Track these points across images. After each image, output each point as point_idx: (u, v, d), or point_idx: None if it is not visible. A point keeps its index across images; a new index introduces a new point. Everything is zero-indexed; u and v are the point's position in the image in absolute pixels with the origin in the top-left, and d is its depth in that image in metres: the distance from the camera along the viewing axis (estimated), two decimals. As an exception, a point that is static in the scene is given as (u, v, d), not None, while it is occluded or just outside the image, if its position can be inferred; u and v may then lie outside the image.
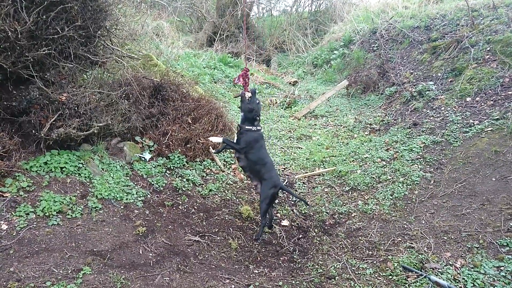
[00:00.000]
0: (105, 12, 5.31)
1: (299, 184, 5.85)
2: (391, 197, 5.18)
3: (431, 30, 9.51)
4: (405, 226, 4.60)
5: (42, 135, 4.48)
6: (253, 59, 14.48)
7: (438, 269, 3.82)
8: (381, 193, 5.34)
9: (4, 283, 3.03)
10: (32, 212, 3.86)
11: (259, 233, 4.52)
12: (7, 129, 4.48)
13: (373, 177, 5.76)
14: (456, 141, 5.86)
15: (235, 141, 4.61)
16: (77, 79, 5.16)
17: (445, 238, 4.25)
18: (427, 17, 10.01)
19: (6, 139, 4.30)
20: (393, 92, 8.53)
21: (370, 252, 4.25)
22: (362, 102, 9.09)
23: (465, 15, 8.85)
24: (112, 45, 5.78)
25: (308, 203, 5.24)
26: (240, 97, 4.65)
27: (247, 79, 4.86)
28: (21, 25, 4.24)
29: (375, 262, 4.08)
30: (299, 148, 7.17)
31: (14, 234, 3.57)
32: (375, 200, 5.24)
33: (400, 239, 4.39)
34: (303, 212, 5.17)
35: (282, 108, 9.46)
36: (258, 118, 4.53)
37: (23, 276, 3.14)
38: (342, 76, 10.98)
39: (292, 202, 5.39)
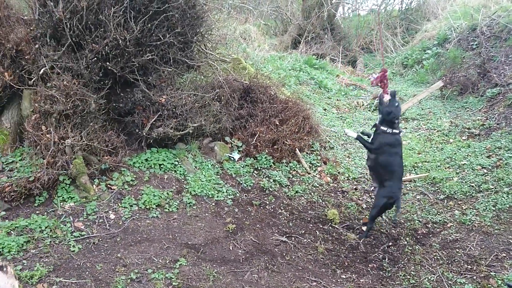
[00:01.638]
0: (201, 19, 5.62)
1: (388, 190, 5.61)
2: (494, 208, 4.74)
3: (543, 25, 8.51)
4: (511, 241, 4.17)
5: (144, 134, 4.88)
6: (339, 61, 14.22)
7: (552, 292, 3.40)
8: (481, 203, 4.91)
9: (113, 267, 3.36)
10: (135, 204, 4.22)
11: (365, 234, 4.51)
12: (115, 128, 4.96)
13: (472, 186, 5.31)
14: None
15: (370, 140, 4.56)
16: (175, 82, 5.53)
17: (561, 258, 3.78)
18: (539, 10, 8.97)
19: (114, 137, 4.76)
20: (495, 93, 7.78)
21: (469, 267, 3.93)
22: (459, 105, 8.42)
23: None
24: (206, 49, 6.11)
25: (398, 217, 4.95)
26: (378, 99, 4.59)
27: (385, 81, 4.65)
28: (129, 34, 4.67)
29: (475, 277, 3.77)
30: (388, 152, 6.87)
31: (120, 223, 3.94)
32: (474, 210, 4.83)
33: (504, 255, 4.00)
34: (392, 219, 4.95)
35: (369, 110, 9.15)
36: (396, 121, 4.40)
37: (128, 262, 3.46)
38: (435, 77, 10.29)
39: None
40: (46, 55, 4.51)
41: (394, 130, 4.38)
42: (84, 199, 4.11)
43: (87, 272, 3.24)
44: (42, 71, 4.48)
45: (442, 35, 11.54)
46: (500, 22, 9.62)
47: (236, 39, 10.79)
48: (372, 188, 4.68)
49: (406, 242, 4.47)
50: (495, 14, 10.23)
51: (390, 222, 4.90)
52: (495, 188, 5.09)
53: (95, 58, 4.60)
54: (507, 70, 8.17)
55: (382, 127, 4.40)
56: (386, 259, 4.19)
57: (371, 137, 4.58)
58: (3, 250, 3.17)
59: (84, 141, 4.34)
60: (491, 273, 3.77)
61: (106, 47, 4.59)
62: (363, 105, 9.48)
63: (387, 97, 4.42)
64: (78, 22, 4.54)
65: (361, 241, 4.45)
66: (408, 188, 5.68)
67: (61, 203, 3.95)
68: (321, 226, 4.69)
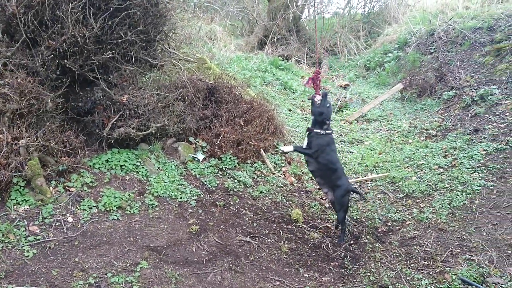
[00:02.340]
0: (164, 17, 5.53)
1: (350, 189, 5.74)
2: (449, 206, 4.95)
3: (494, 31, 8.98)
4: (465, 237, 4.37)
5: (105, 134, 4.74)
6: (304, 62, 14.41)
7: (501, 284, 3.59)
8: (438, 201, 5.11)
9: (70, 272, 3.24)
10: (95, 206, 4.09)
11: (342, 238, 4.53)
12: (74, 128, 4.78)
13: (429, 185, 5.52)
14: (523, 149, 5.49)
15: (304, 146, 4.58)
16: (137, 81, 5.41)
17: (509, 251, 3.99)
18: (491, 18, 9.47)
19: (72, 138, 4.58)
20: (451, 96, 8.14)
21: (426, 263, 4.08)
22: (418, 107, 8.75)
23: (534, 14, 8.28)
24: (169, 48, 6.01)
25: (360, 208, 5.13)
26: (311, 100, 4.63)
27: (318, 82, 4.76)
28: (88, 31, 4.52)
29: (431, 273, 3.91)
30: (350, 152, 7.04)
31: (78, 226, 3.80)
32: (431, 208, 5.02)
33: (458, 251, 4.18)
34: (354, 218, 5.07)
35: (333, 111, 9.33)
36: (328, 122, 4.48)
37: (86, 266, 3.34)
38: (396, 79, 10.65)
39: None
40: (-2, 51, 4.29)
41: (327, 131, 4.48)
42: (40, 201, 3.93)
43: (42, 278, 3.10)
44: (-6, 68, 4.26)
45: (403, 39, 11.95)
46: (456, 28, 10.08)
47: (202, 38, 10.71)
48: (324, 194, 4.70)
49: (367, 240, 4.58)
50: (451, 20, 10.71)
51: (351, 221, 5.01)
52: (451, 187, 5.31)
53: (52, 55, 4.43)
54: (462, 74, 8.57)
55: (315, 130, 4.47)
56: (348, 257, 4.28)
57: (306, 142, 4.59)
58: (-51, 257, 2.99)
59: (40, 142, 4.16)
60: (446, 268, 3.92)
61: (64, 44, 4.42)
62: (327, 106, 9.64)
63: (318, 98, 4.51)
64: (33, 18, 4.36)
65: (343, 245, 4.48)
66: (369, 188, 5.84)
67: (15, 206, 3.76)
68: (285, 226, 4.73)
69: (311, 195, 5.55)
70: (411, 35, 11.76)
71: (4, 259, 3.18)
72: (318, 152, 4.46)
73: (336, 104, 9.53)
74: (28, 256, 3.29)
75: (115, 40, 4.78)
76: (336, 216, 4.69)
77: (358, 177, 6.09)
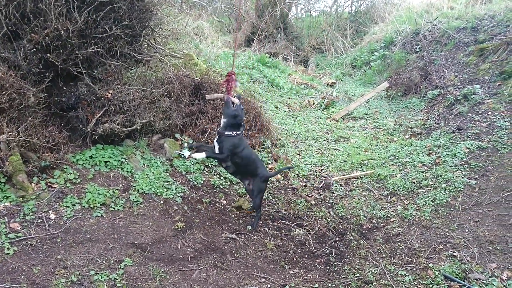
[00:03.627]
0: (150, 12, 5.45)
1: (336, 186, 5.77)
2: (433, 204, 5.01)
3: (478, 32, 9.13)
4: (447, 234, 4.43)
5: (89, 130, 4.67)
6: (291, 60, 14.43)
7: (482, 280, 3.65)
8: (421, 198, 5.18)
9: (52, 270, 3.18)
10: (78, 203, 4.03)
11: (254, 224, 4.51)
12: (57, 124, 4.70)
13: (414, 182, 5.59)
14: (504, 148, 5.59)
15: (216, 151, 4.41)
16: (122, 76, 5.34)
17: (490, 248, 4.07)
18: (474, 18, 9.61)
19: (55, 133, 4.50)
20: (436, 95, 8.25)
21: (410, 259, 4.13)
22: (403, 105, 8.85)
23: (516, 16, 8.43)
24: (155, 44, 5.94)
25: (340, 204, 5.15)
26: (223, 102, 4.49)
27: (232, 83, 4.58)
28: (72, 24, 4.43)
29: (414, 269, 3.96)
30: (336, 150, 7.08)
31: (61, 223, 3.74)
32: (415, 205, 5.09)
33: (441, 247, 4.24)
34: (340, 214, 5.10)
35: (319, 109, 9.37)
36: (243, 123, 4.46)
37: (69, 264, 3.29)
38: (382, 78, 10.74)
39: (329, 204, 5.33)
40: (-22, 44, 4.18)
41: (238, 132, 4.41)
42: (21, 198, 3.86)
43: (22, 276, 3.04)
44: (-27, 61, 4.15)
45: (389, 38, 12.06)
46: (441, 27, 10.21)
47: (188, 34, 10.62)
48: (245, 184, 4.68)
49: (352, 237, 4.62)
50: (436, 20, 10.84)
51: (337, 218, 5.04)
52: (434, 184, 5.38)
53: (35, 49, 4.33)
54: (446, 73, 8.69)
55: (227, 132, 4.35)
56: (333, 254, 4.31)
57: (216, 147, 4.42)
58: None
59: (21, 137, 4.07)
60: (429, 264, 3.98)
61: (47, 37, 4.32)
62: (313, 103, 9.68)
63: (235, 100, 4.43)
64: (15, 10, 4.25)
65: (253, 231, 4.47)
66: (354, 185, 5.88)
67: (-5, 203, 3.68)
68: (271, 223, 4.73)
69: (297, 192, 5.56)
70: (397, 34, 11.88)
71: (-16, 257, 3.11)
72: (231, 155, 4.37)
73: (323, 102, 9.57)
74: (8, 253, 3.22)
75: (99, 34, 4.69)
76: (254, 203, 4.63)
77: (344, 175, 6.13)
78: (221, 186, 5.17)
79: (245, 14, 16.68)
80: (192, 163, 5.43)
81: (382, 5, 16.06)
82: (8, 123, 4.09)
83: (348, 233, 4.72)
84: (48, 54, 4.40)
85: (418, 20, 11.58)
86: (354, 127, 8.19)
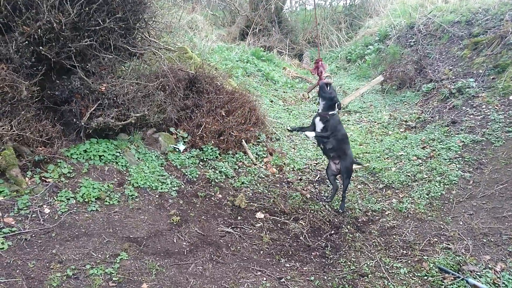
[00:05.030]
0: (144, 5, 5.40)
1: (331, 180, 5.78)
2: (427, 196, 5.05)
3: (472, 25, 9.14)
4: (442, 227, 4.47)
5: (83, 123, 4.63)
6: (286, 54, 14.39)
7: (477, 272, 3.70)
8: (416, 192, 5.20)
9: (47, 264, 3.16)
10: (73, 197, 4.00)
11: (343, 206, 5.02)
12: (50, 117, 4.65)
13: (408, 175, 5.62)
14: (498, 141, 5.63)
15: (319, 130, 4.86)
16: (116, 70, 5.29)
17: (484, 240, 4.11)
18: (469, 12, 9.63)
19: (49, 127, 4.46)
20: (430, 88, 8.27)
21: (405, 252, 4.16)
22: (398, 99, 8.87)
23: (510, 9, 8.44)
24: (149, 37, 5.89)
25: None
26: (319, 88, 4.91)
27: (322, 68, 5.05)
28: (65, 17, 4.38)
29: (409, 261, 3.99)
30: (331, 143, 7.07)
31: (56, 218, 3.71)
32: (410, 198, 5.12)
33: (436, 240, 4.28)
34: (335, 208, 5.11)
35: (314, 103, 9.36)
36: (338, 103, 4.85)
37: (64, 258, 3.27)
38: (376, 71, 10.75)
39: (324, 198, 5.34)
40: (-32, 36, 4.12)
41: (337, 111, 4.86)
42: (15, 192, 3.82)
43: (17, 270, 3.02)
44: (-36, 54, 4.08)
45: (383, 32, 12.05)
46: (435, 21, 10.22)
47: (183, 28, 10.54)
48: (335, 164, 5.04)
49: (347, 230, 4.64)
50: (431, 14, 10.84)
51: (332, 211, 5.06)
52: (429, 177, 5.41)
53: (27, 42, 4.27)
54: (440, 66, 8.71)
55: (330, 112, 4.78)
56: (329, 247, 4.32)
57: (320, 126, 4.84)
58: None
59: (14, 131, 4.03)
60: (424, 257, 4.01)
61: (39, 30, 4.27)
62: (308, 97, 9.67)
63: (330, 80, 4.93)
64: (6, 2, 4.18)
65: (343, 212, 4.99)
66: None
67: (-12, 198, 3.64)
68: (266, 217, 4.73)
69: (292, 186, 5.57)
70: (391, 28, 11.87)
71: (-23, 252, 3.08)
72: (335, 132, 4.79)
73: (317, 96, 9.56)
74: (3, 248, 3.19)
75: (93, 27, 4.64)
76: (342, 184, 5.06)
77: (339, 168, 6.14)
78: (216, 180, 5.15)
79: (239, 7, 16.58)
80: (187, 157, 5.41)
81: (377, -2, 16.02)
82: (1, 117, 4.04)
83: (343, 226, 4.73)
84: (41, 47, 4.35)
85: (412, 14, 11.58)
86: (349, 120, 8.20)
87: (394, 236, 4.43)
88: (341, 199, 5.08)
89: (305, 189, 5.51)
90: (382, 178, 5.71)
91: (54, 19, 4.28)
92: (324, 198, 5.29)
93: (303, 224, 4.69)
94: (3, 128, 3.94)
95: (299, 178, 5.82)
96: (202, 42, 10.86)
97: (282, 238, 4.38)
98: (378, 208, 5.04)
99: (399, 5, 13.31)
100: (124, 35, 5.15)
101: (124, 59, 5.36)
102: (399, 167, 5.91)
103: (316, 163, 6.34)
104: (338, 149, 4.89)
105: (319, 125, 4.86)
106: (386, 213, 4.94)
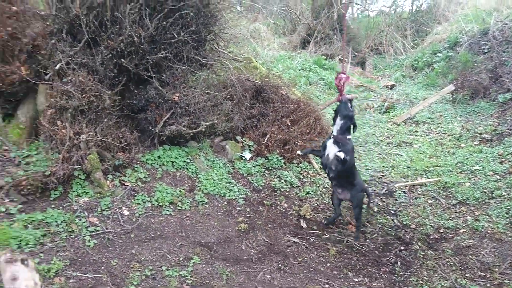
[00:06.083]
0: (215, 18, 5.63)
1: (399, 193, 5.59)
2: (507, 215, 4.70)
3: (557, 30, 8.43)
4: (525, 249, 4.15)
5: (157, 131, 4.89)
6: (348, 62, 14.17)
7: None
8: (494, 209, 4.87)
9: (128, 263, 3.37)
10: (148, 201, 4.23)
11: (357, 236, 4.55)
12: (128, 125, 4.97)
13: (485, 192, 5.27)
14: None
15: (343, 156, 4.16)
16: (188, 80, 5.53)
17: None
18: (552, 16, 8.89)
19: (127, 134, 4.76)
20: (508, 99, 7.73)
21: (482, 274, 3.91)
22: (470, 109, 8.38)
23: None
24: (218, 48, 6.10)
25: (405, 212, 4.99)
26: (340, 105, 4.27)
27: (345, 83, 4.39)
28: (144, 31, 4.68)
29: (488, 285, 3.75)
30: (398, 155, 6.85)
31: (133, 219, 3.95)
32: (487, 217, 4.80)
33: (518, 263, 3.98)
34: (404, 223, 4.93)
35: (379, 112, 9.13)
36: (356, 125, 4.33)
37: (142, 258, 3.47)
38: (446, 80, 10.23)
39: (392, 212, 5.18)
40: (62, 50, 4.52)
41: (350, 136, 4.29)
42: (98, 194, 4.12)
43: (102, 267, 3.25)
44: (58, 66, 4.50)
45: (453, 38, 11.47)
46: (513, 26, 9.55)
47: (247, 38, 10.78)
48: (338, 193, 4.56)
49: (418, 247, 4.45)
50: (507, 19, 10.16)
51: (401, 226, 4.88)
52: (508, 195, 5.05)
53: (110, 55, 4.61)
54: (519, 75, 8.11)
55: (347, 136, 4.22)
56: (398, 264, 4.18)
57: (333, 152, 4.20)
58: (21, 243, 3.19)
59: (98, 137, 4.35)
60: (505, 280, 3.75)
61: (122, 44, 4.60)
62: (373, 107, 9.45)
63: (349, 98, 4.29)
64: (94, 19, 4.56)
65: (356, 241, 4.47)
66: (419, 192, 5.66)
67: (76, 198, 3.96)
68: (332, 228, 4.68)
69: (358, 197, 5.45)
70: (462, 34, 11.27)
71: (68, 248, 3.36)
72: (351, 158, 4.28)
73: (383, 105, 9.31)
74: (89, 246, 3.45)
75: (168, 40, 4.92)
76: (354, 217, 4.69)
77: (407, 181, 5.92)
78: (281, 189, 5.19)
79: (300, 15, 16.63)
80: (253, 165, 5.50)
81: (446, 3, 15.31)
82: (87, 124, 4.39)
83: (413, 242, 4.55)
84: (122, 60, 4.67)
85: (486, 19, 10.91)
86: (417, 131, 7.89)
87: (470, 256, 4.18)
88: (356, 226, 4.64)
89: (371, 201, 5.37)
90: (455, 194, 5.41)
91: (135, 33, 4.59)
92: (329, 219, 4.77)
93: (371, 237, 4.57)
94: (89, 134, 4.28)
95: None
96: (264, 51, 11.04)
97: (349, 251, 4.30)
98: (452, 226, 4.78)
99: (471, 10, 12.63)
100: (196, 47, 5.38)
101: (195, 70, 5.59)
102: (474, 183, 5.57)
103: (383, 175, 6.16)
104: (342, 179, 4.38)
105: (333, 150, 4.21)
106: (461, 231, 4.67)
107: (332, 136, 4.29)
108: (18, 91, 4.56)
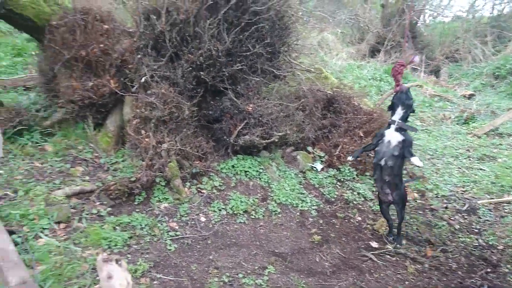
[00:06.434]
0: (288, 30, 5.69)
1: (483, 211, 5.21)
2: None
3: None
4: None
5: (231, 141, 5.03)
6: (421, 70, 13.57)
7: None
8: None
9: (206, 269, 3.49)
10: (223, 208, 4.36)
11: (400, 241, 4.42)
12: (205, 134, 5.17)
13: None
14: None
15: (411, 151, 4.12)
16: (261, 91, 5.64)
17: None
18: None
19: (204, 143, 4.95)
20: None
21: None
22: None
23: None
24: (291, 59, 6.16)
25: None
26: (399, 93, 4.17)
27: (402, 72, 4.34)
28: (221, 44, 4.86)
29: None
30: (481, 169, 6.40)
31: (210, 226, 4.09)
32: None
33: None
34: (490, 243, 4.58)
35: (457, 123, 8.61)
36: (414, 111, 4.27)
37: (219, 264, 3.57)
38: (534, 89, 9.43)
39: (476, 231, 4.83)
40: (147, 64, 4.84)
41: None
42: (177, 200, 4.32)
43: (183, 271, 3.39)
44: (143, 79, 4.82)
45: (543, 44, 10.54)
46: None
47: (315, 48, 10.77)
48: (384, 194, 4.32)
49: (507, 270, 4.10)
50: None
51: (486, 246, 4.54)
52: None
53: (190, 68, 4.85)
54: None
55: (407, 125, 4.17)
56: (485, 287, 3.87)
57: (397, 140, 4.07)
58: (111, 244, 3.43)
59: (178, 146, 4.58)
60: None
61: (201, 57, 4.81)
62: (450, 117, 8.94)
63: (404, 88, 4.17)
64: (177, 34, 4.83)
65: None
66: (506, 211, 5.22)
67: (157, 203, 4.19)
68: (410, 245, 4.47)
69: (437, 213, 5.17)
70: (553, 38, 10.33)
71: (152, 250, 3.56)
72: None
73: (462, 116, 8.76)
74: (170, 249, 3.63)
75: (244, 52, 5.05)
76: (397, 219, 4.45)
77: (492, 198, 5.49)
78: (354, 202, 5.08)
79: (369, 23, 16.27)
80: (325, 176, 5.45)
81: (532, 6, 14.15)
82: (168, 133, 4.64)
83: (501, 264, 4.20)
84: (201, 72, 4.89)
85: None
86: (501, 144, 7.32)
87: None
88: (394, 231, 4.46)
89: (452, 218, 5.06)
90: (549, 213, 4.94)
91: (213, 47, 4.79)
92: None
93: (452, 257, 4.30)
94: (170, 143, 4.52)
95: (444, 206, 5.38)
96: (333, 61, 10.94)
97: (428, 271, 4.07)
98: (546, 248, 4.36)
99: None
100: (270, 59, 5.48)
101: (268, 81, 5.69)
102: None
103: (464, 191, 5.79)
104: (395, 175, 4.15)
105: (396, 137, 4.06)
106: (557, 255, 4.24)
107: (396, 123, 4.11)
108: (108, 102, 4.96)
